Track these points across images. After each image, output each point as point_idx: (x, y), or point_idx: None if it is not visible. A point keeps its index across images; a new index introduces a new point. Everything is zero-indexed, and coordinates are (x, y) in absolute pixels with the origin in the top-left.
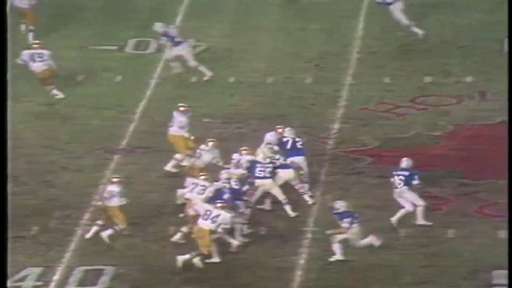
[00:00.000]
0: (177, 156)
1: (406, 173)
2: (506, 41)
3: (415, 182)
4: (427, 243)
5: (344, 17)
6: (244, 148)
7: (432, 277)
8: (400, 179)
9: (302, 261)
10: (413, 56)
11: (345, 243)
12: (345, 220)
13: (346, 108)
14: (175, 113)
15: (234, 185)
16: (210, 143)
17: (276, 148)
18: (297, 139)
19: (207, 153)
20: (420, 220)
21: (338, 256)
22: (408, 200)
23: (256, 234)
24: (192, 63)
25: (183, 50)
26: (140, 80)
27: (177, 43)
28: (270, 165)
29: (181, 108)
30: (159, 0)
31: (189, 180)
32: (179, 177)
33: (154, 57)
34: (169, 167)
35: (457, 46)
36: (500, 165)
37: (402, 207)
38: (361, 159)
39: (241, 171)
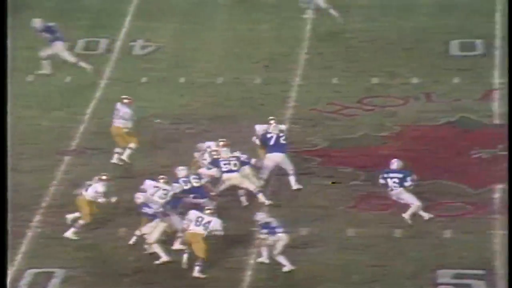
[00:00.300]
0: (118, 149)
1: (400, 175)
2: (452, 43)
3: (407, 183)
4: (374, 243)
5: (292, 19)
6: (214, 150)
7: (379, 276)
8: (395, 182)
9: (252, 261)
10: (359, 57)
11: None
12: (263, 231)
13: (295, 109)
14: (119, 106)
15: (195, 182)
16: (221, 143)
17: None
18: (281, 135)
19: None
20: (407, 215)
21: (286, 265)
22: (407, 200)
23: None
24: (71, 59)
25: (58, 48)
26: (90, 80)
27: (55, 39)
28: (234, 159)
29: (125, 100)
30: (109, 0)
31: (148, 183)
32: (129, 178)
33: (104, 57)
34: (125, 156)
35: (402, 48)
36: (445, 166)
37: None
38: (310, 159)
39: (214, 171)
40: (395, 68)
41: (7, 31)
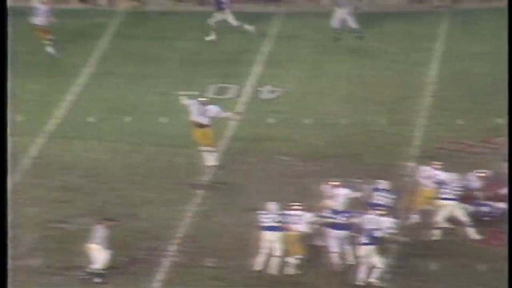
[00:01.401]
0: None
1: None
2: None
3: None
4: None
5: (416, 64)
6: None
7: None
8: None
9: None
10: (483, 99)
11: None
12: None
13: (420, 148)
14: (197, 104)
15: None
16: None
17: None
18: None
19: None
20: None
21: None
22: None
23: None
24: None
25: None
26: (220, 122)
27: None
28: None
29: (203, 99)
30: (237, 50)
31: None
32: (252, 210)
33: (233, 101)
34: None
35: None
36: None
37: None
38: None
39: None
40: None
41: (7, 32)
